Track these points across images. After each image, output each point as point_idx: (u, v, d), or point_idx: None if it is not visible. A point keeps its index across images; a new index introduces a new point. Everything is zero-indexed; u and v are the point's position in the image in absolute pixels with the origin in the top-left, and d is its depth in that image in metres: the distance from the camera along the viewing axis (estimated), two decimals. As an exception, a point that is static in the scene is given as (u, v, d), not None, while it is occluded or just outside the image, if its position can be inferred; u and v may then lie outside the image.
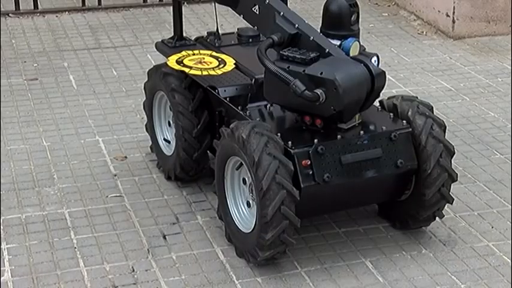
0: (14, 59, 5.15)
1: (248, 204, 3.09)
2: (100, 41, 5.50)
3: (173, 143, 3.61)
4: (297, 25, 3.07)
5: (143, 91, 3.81)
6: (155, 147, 3.77)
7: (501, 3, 5.48)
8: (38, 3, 5.98)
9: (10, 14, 5.91)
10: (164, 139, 3.72)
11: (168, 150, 3.68)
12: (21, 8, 5.94)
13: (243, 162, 2.96)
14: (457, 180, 3.12)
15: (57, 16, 5.94)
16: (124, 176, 3.73)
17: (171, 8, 3.87)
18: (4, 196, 3.58)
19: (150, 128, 3.78)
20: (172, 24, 3.85)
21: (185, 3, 4.50)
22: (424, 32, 5.66)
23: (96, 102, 4.54)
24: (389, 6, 6.18)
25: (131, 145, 4.03)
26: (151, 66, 3.72)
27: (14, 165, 3.84)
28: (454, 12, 5.49)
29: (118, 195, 3.58)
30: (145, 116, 3.85)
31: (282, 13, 3.11)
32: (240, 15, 3.28)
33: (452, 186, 3.12)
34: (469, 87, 4.75)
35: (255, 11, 3.18)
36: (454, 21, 5.50)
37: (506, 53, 5.26)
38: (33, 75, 4.91)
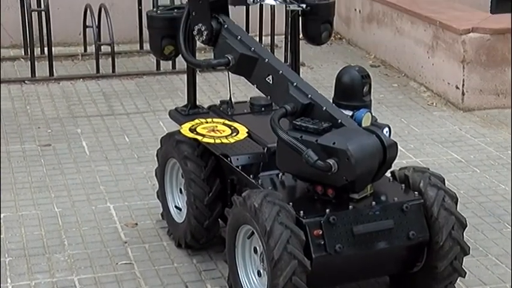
0: (28, 125, 5.21)
1: (259, 274, 3.08)
2: (113, 107, 5.56)
3: (184, 211, 3.61)
4: (309, 95, 3.11)
5: (155, 158, 3.84)
6: (166, 214, 3.78)
7: (510, 76, 5.53)
8: (54, 70, 6.07)
9: (26, 81, 6.00)
10: (175, 206, 3.73)
11: (179, 217, 3.68)
12: (37, 75, 6.03)
13: (255, 231, 2.96)
14: (469, 253, 3.11)
15: (71, 83, 6.03)
16: (134, 243, 3.73)
17: (184, 75, 3.93)
18: (14, 262, 3.57)
19: (161, 195, 3.79)
20: (185, 91, 3.89)
21: (198, 71, 4.57)
22: (434, 104, 5.70)
23: (108, 168, 4.56)
24: (399, 77, 6.24)
25: (142, 212, 4.04)
26: (164, 134, 3.76)
27: (24, 231, 3.84)
28: (463, 85, 5.55)
29: (128, 262, 3.57)
30: (156, 183, 3.87)
31: (295, 83, 3.15)
32: (253, 84, 3.32)
33: (464, 259, 3.10)
34: (480, 159, 4.76)
35: (268, 80, 3.23)
36: (463, 94, 5.55)
37: (517, 125, 5.29)
38: (46, 141, 4.95)
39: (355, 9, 7.01)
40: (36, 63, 6.06)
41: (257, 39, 6.49)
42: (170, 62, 6.11)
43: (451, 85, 5.65)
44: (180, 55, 3.47)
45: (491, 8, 7.40)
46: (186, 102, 3.84)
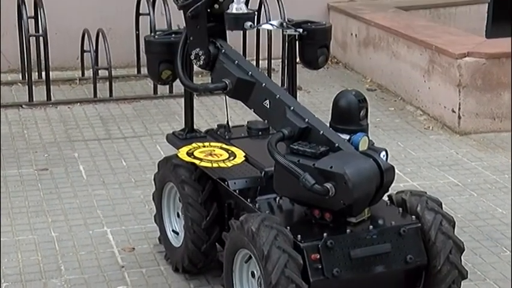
0: (25, 150, 5.21)
1: (256, 298, 3.07)
2: (110, 131, 5.57)
3: (182, 235, 3.61)
4: (307, 119, 3.12)
5: (152, 182, 3.84)
6: (163, 238, 3.77)
7: (506, 100, 5.56)
8: (51, 95, 6.09)
9: (23, 106, 6.01)
10: (173, 230, 3.72)
11: (176, 241, 3.68)
12: (34, 99, 6.05)
13: (252, 255, 2.96)
14: (467, 277, 3.10)
15: (69, 107, 6.04)
16: (131, 268, 3.72)
17: (181, 99, 3.94)
18: None
19: (158, 219, 3.79)
20: (182, 115, 3.90)
21: (195, 95, 4.58)
22: (431, 127, 5.72)
23: (105, 192, 4.56)
24: (395, 101, 6.27)
25: (139, 236, 4.03)
26: (162, 158, 3.76)
27: (21, 256, 3.83)
28: (459, 109, 5.57)
29: (125, 287, 3.55)
30: (153, 207, 3.86)
31: (292, 107, 3.16)
32: (250, 108, 3.34)
33: (462, 284, 3.09)
34: (476, 183, 4.77)
35: (265, 105, 3.24)
36: (459, 117, 5.57)
37: (512, 149, 5.31)
38: (43, 165, 4.95)
39: (352, 34, 7.05)
40: (33, 87, 6.07)
41: (254, 63, 6.52)
42: (167, 86, 6.13)
43: (448, 109, 5.67)
44: (178, 79, 3.49)
45: (486, 33, 7.45)
46: (183, 126, 3.85)
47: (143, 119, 5.82)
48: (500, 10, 7.83)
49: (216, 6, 3.36)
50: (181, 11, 3.41)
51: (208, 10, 3.36)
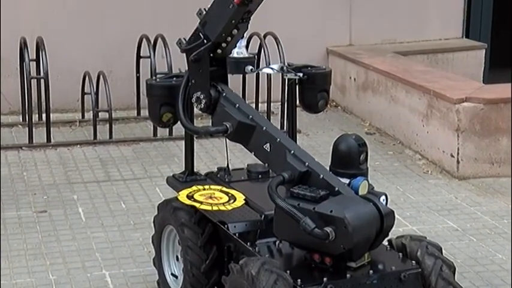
0: (24, 191, 5.21)
1: None
2: (110, 173, 5.57)
3: (181, 278, 3.59)
4: (307, 163, 3.13)
5: (151, 224, 3.83)
6: (162, 282, 3.75)
7: (504, 146, 5.58)
8: (51, 136, 6.10)
9: (23, 147, 6.02)
10: (172, 274, 3.70)
11: (175, 285, 3.66)
12: (34, 141, 6.06)
13: (252, 300, 2.94)
14: (467, 322, 3.09)
15: (68, 149, 6.05)
16: (130, 311, 3.70)
17: (180, 142, 3.96)
18: (7, 329, 3.53)
19: (157, 262, 3.77)
20: (182, 158, 3.91)
21: (195, 137, 4.60)
22: (430, 172, 5.73)
23: (104, 235, 4.55)
24: (394, 144, 6.29)
25: (138, 279, 4.01)
26: (161, 200, 3.76)
27: (19, 298, 3.81)
28: (458, 153, 5.58)
29: (123, 330, 3.53)
30: (152, 250, 3.85)
31: (292, 151, 3.18)
32: (251, 152, 3.35)
33: (462, 329, 3.08)
34: (476, 228, 4.76)
35: (266, 148, 3.26)
36: (458, 162, 5.59)
37: (512, 194, 5.31)
38: (42, 207, 4.95)
39: (351, 78, 7.10)
40: (34, 129, 6.09)
41: (254, 106, 6.56)
42: (167, 128, 6.14)
43: (446, 153, 5.69)
44: (178, 122, 3.51)
45: (483, 78, 7.51)
46: (182, 169, 3.86)
47: (143, 161, 5.83)
48: (497, 56, 7.90)
49: (219, 51, 3.41)
50: (184, 54, 3.45)
51: (211, 55, 3.40)
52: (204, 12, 3.38)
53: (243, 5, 3.23)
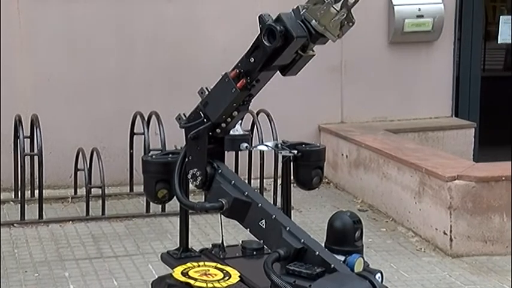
0: (15, 269, 5.16)
1: None
2: (102, 250, 5.54)
3: None
4: (302, 240, 3.14)
5: (145, 302, 3.80)
6: None
7: (496, 224, 5.59)
8: (43, 213, 6.08)
9: (15, 224, 5.99)
10: None
11: None
12: (26, 218, 6.04)
13: None
14: None
15: (60, 226, 6.03)
16: None
17: (173, 218, 3.96)
18: None
19: None
20: (174, 234, 3.91)
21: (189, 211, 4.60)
22: (423, 249, 5.72)
23: (96, 312, 4.50)
24: (387, 221, 6.30)
25: None
26: (153, 277, 3.73)
27: None
28: (451, 231, 5.59)
29: None
30: (145, 329, 3.81)
31: (288, 228, 3.19)
32: (246, 228, 3.36)
33: None
34: (471, 306, 4.74)
35: (261, 225, 3.27)
36: (451, 240, 5.59)
37: (506, 273, 5.28)
38: (33, 285, 4.89)
39: (343, 155, 7.16)
40: (26, 206, 6.07)
41: (246, 181, 6.57)
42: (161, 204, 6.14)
43: (439, 231, 5.70)
44: (174, 199, 3.52)
45: (473, 157, 7.58)
46: (175, 245, 3.85)
47: (135, 237, 5.81)
48: (486, 135, 8.00)
49: (218, 130, 3.45)
50: (178, 129, 3.49)
51: (210, 133, 3.44)
52: (206, 92, 3.42)
53: (245, 89, 3.29)
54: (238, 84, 3.26)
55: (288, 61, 3.27)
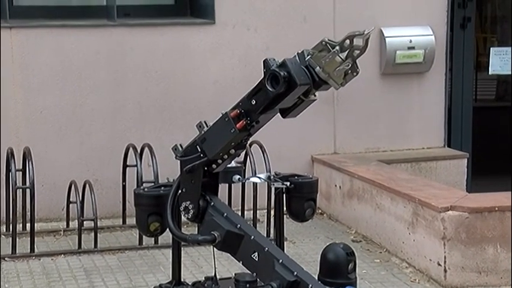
0: (6, 302, 5.13)
1: None
2: (94, 283, 5.50)
3: None
4: (295, 272, 3.13)
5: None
6: None
7: (490, 254, 5.57)
8: (35, 246, 6.04)
9: (6, 258, 5.94)
10: None
11: None
12: (17, 251, 5.99)
13: None
14: None
15: (52, 259, 5.98)
16: None
17: (166, 250, 3.93)
18: None
19: None
20: (167, 266, 3.88)
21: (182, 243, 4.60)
22: (417, 280, 5.70)
23: None
24: (380, 252, 6.27)
25: None
26: (147, 312, 3.71)
27: None
28: (445, 262, 5.57)
29: None
30: None
31: (281, 260, 3.18)
32: (239, 261, 3.35)
33: None
34: (466, 337, 4.71)
35: (254, 257, 3.26)
36: (445, 271, 5.57)
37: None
38: (23, 319, 4.86)
39: (336, 185, 7.16)
40: (17, 239, 6.03)
41: (239, 213, 6.56)
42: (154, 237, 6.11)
43: (433, 262, 5.68)
44: (166, 231, 3.50)
45: (466, 187, 7.59)
46: (168, 278, 3.83)
47: (128, 270, 5.77)
48: (479, 165, 8.02)
49: (214, 166, 3.44)
50: (171, 158, 3.48)
51: (205, 168, 3.43)
52: (205, 126, 3.40)
53: (245, 130, 3.28)
54: (237, 125, 3.25)
55: (289, 105, 3.28)
